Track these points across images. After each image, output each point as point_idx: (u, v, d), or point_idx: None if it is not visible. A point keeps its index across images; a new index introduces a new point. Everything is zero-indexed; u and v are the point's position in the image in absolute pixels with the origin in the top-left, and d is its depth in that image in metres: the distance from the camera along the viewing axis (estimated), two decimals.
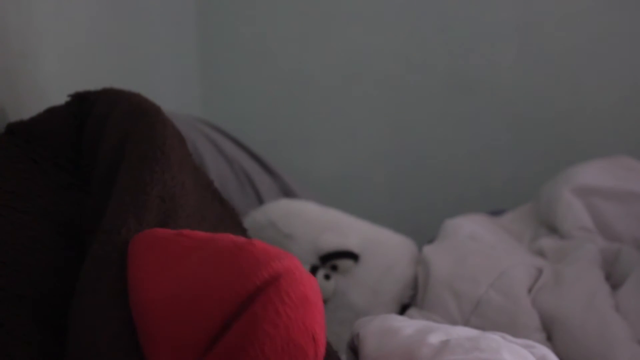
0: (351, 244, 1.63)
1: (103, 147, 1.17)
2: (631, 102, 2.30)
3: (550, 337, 1.49)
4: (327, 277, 1.60)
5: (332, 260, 1.62)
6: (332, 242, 1.63)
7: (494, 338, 1.04)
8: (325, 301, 1.59)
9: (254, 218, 1.71)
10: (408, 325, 1.07)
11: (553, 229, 1.79)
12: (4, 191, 1.08)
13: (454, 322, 1.50)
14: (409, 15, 2.37)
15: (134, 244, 0.99)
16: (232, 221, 1.27)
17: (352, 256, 1.62)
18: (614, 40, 2.27)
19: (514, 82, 2.35)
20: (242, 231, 1.29)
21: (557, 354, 1.16)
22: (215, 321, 0.87)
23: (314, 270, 1.61)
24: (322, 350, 0.93)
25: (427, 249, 1.66)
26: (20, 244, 1.03)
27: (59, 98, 1.25)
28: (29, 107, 1.32)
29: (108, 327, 0.92)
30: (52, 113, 1.22)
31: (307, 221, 1.69)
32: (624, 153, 1.93)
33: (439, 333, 1.04)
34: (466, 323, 1.50)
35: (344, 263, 1.62)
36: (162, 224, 1.08)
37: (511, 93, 2.36)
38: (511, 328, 1.42)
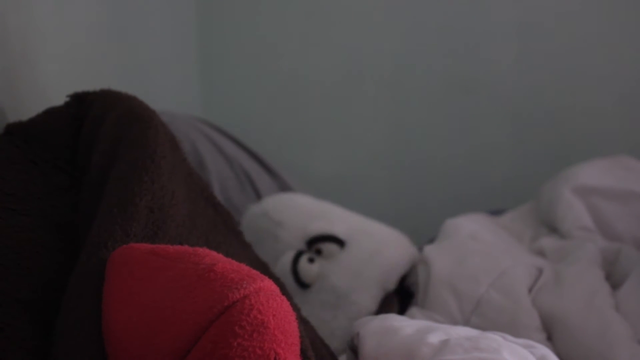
0: (337, 230, 1.64)
1: (96, 150, 1.16)
2: (631, 101, 2.29)
3: (550, 337, 1.49)
4: (311, 260, 1.61)
5: (316, 243, 1.62)
6: (319, 227, 1.64)
7: (494, 338, 1.04)
8: (308, 285, 1.60)
9: (251, 210, 1.74)
10: (408, 325, 1.07)
11: (553, 229, 1.79)
12: (4, 193, 1.07)
13: (454, 322, 1.50)
14: (409, 15, 2.37)
15: (111, 261, 0.98)
16: (225, 227, 1.26)
17: (337, 241, 1.63)
18: (613, 40, 2.27)
19: (514, 82, 2.35)
20: (236, 235, 1.28)
21: (557, 353, 1.16)
22: (170, 357, 0.86)
23: (299, 255, 1.61)
24: None
25: (428, 249, 1.66)
26: (20, 247, 1.02)
27: (59, 98, 1.25)
28: (29, 107, 1.31)
29: (84, 350, 0.91)
30: (50, 114, 1.22)
31: (298, 210, 1.70)
32: (624, 153, 1.93)
33: (438, 333, 1.04)
34: (467, 323, 1.50)
35: (328, 247, 1.62)
36: (152, 235, 1.07)
37: (511, 93, 2.36)
38: (511, 328, 1.42)
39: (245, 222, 1.71)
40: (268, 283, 0.92)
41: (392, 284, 1.63)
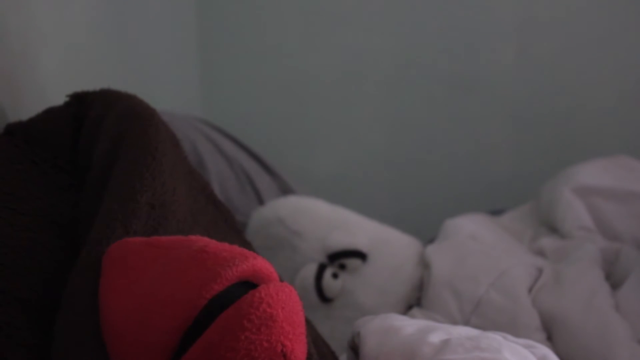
0: (360, 243, 1.63)
1: (97, 149, 1.17)
2: (631, 101, 2.30)
3: (550, 337, 1.49)
4: (335, 275, 1.60)
5: (340, 259, 1.62)
6: (341, 240, 1.63)
7: (495, 338, 1.04)
8: (331, 299, 1.60)
9: (262, 214, 1.71)
10: (409, 325, 1.07)
11: (553, 229, 1.79)
12: (3, 193, 1.07)
13: (454, 322, 1.50)
14: (409, 15, 2.37)
15: (107, 255, 0.98)
16: (226, 224, 1.26)
17: (361, 255, 1.62)
18: (613, 40, 2.27)
19: (514, 82, 2.35)
20: (237, 233, 1.28)
21: (557, 353, 1.16)
22: (167, 338, 0.86)
23: (322, 268, 1.61)
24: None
25: (428, 249, 1.66)
26: (20, 246, 1.03)
27: (59, 98, 1.25)
28: (29, 107, 1.32)
29: (83, 347, 0.92)
30: (50, 114, 1.22)
31: (315, 219, 1.69)
32: (624, 153, 1.93)
33: (440, 332, 1.04)
34: (467, 323, 1.50)
35: (352, 262, 1.61)
36: (152, 231, 1.07)
37: (511, 93, 2.36)
38: (511, 328, 1.42)
39: (254, 225, 1.69)
40: (261, 261, 0.92)
41: (415, 299, 1.63)
